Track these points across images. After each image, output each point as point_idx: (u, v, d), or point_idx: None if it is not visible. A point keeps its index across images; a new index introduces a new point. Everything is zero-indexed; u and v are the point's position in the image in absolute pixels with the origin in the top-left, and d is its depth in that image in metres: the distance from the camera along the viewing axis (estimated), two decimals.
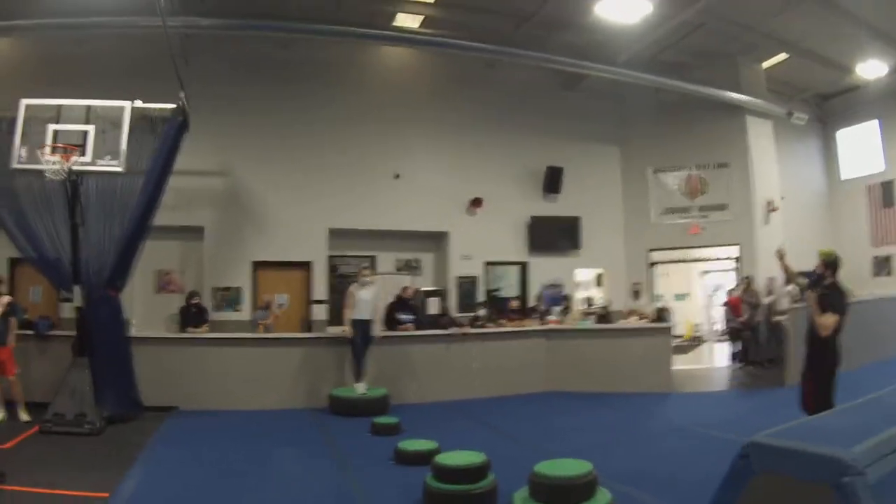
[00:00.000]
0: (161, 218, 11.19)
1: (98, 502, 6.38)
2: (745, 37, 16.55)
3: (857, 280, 18.42)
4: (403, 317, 13.18)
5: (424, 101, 17.04)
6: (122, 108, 10.54)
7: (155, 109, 10.92)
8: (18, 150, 10.04)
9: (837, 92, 21.11)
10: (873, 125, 20.79)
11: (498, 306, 16.00)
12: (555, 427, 10.14)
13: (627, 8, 13.39)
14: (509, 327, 14.32)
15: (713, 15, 14.88)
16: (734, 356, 16.23)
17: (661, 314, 14.50)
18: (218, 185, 14.85)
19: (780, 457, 2.34)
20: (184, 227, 14.22)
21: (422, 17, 15.03)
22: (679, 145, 18.82)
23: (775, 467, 2.34)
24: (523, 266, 18.13)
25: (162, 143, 10.86)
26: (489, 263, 17.69)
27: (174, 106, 10.96)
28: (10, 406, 10.11)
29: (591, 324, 15.23)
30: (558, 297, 16.94)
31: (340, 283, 15.88)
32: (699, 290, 23.24)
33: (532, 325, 14.50)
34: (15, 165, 10.05)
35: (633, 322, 14.73)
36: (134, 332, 11.52)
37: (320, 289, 15.81)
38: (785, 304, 15.14)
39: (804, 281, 8.34)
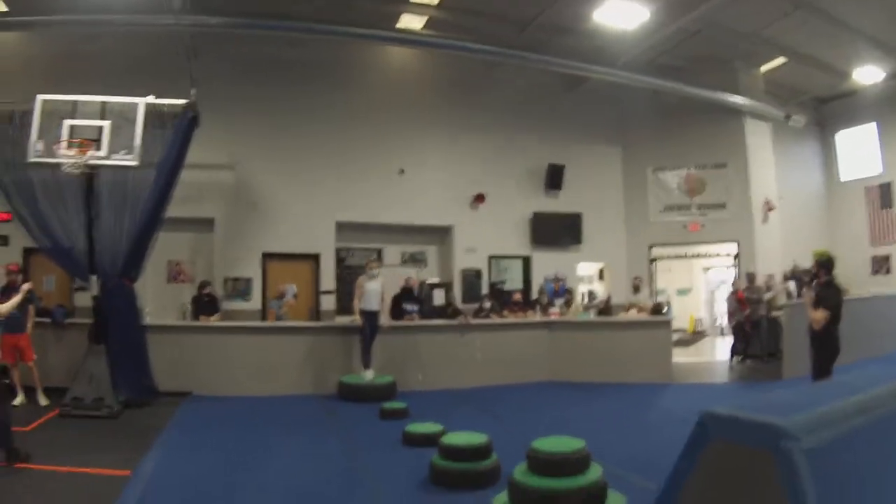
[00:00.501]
0: (172, 210, 11.40)
1: (120, 480, 6.56)
2: (743, 43, 16.68)
3: (855, 279, 18.70)
4: (409, 307, 13.47)
5: (428, 99, 17.21)
6: (135, 104, 10.72)
7: (166, 105, 11.09)
8: (35, 144, 10.18)
9: (835, 96, 21.16)
10: (871, 128, 20.87)
11: (501, 298, 16.16)
12: (554, 414, 10.30)
13: (625, 15, 13.57)
14: (512, 319, 14.51)
15: (709, 22, 15.04)
16: (735, 350, 16.38)
17: (659, 308, 14.65)
18: (228, 179, 14.98)
19: (730, 425, 2.57)
20: (195, 219, 14.39)
21: (426, 19, 15.11)
22: (678, 146, 19.01)
23: (727, 434, 2.56)
24: (526, 260, 18.30)
25: (174, 137, 11.09)
26: (493, 257, 17.88)
27: (185, 102, 11.15)
28: (30, 391, 10.34)
29: (592, 316, 15.41)
30: (561, 290, 17.10)
31: (347, 275, 16.14)
32: (702, 285, 23.42)
33: (535, 317, 14.68)
34: (32, 159, 10.20)
35: (632, 315, 14.85)
36: (148, 320, 11.71)
37: (328, 280, 15.99)
38: (783, 300, 15.40)
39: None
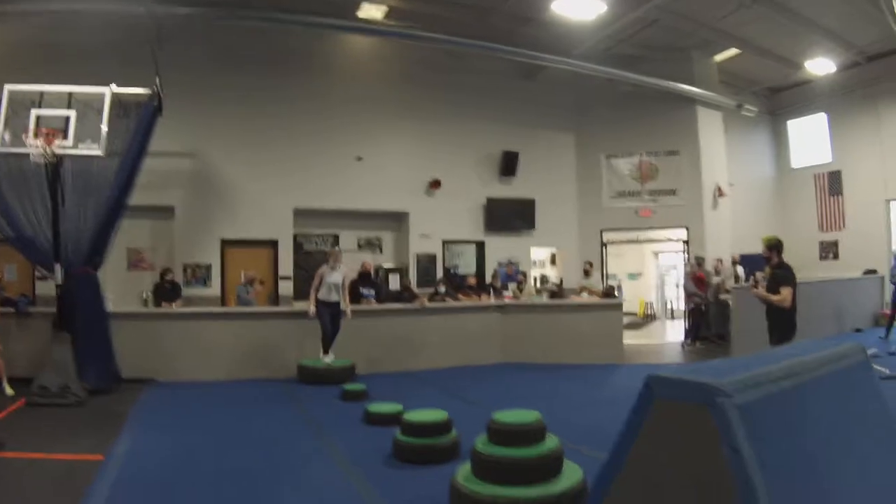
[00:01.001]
0: (133, 198, 11.70)
1: (94, 464, 6.80)
2: (698, 33, 17.35)
3: (804, 263, 19.55)
4: (365, 291, 13.87)
5: (387, 87, 17.71)
6: (101, 94, 11.04)
7: (129, 94, 11.43)
8: (2, 134, 10.44)
9: (788, 86, 22.17)
10: (821, 118, 21.93)
11: (456, 282, 16.80)
12: (509, 393, 10.79)
13: (582, 6, 14.25)
14: (467, 302, 15.12)
15: (666, 12, 15.65)
16: (687, 332, 17.14)
17: (611, 291, 15.26)
18: (188, 167, 15.36)
19: (673, 385, 2.99)
20: (155, 207, 14.69)
21: (386, 8, 15.47)
22: (631, 133, 19.69)
23: (670, 394, 2.97)
24: (480, 245, 18.95)
25: (137, 126, 11.41)
26: (447, 242, 18.50)
27: (149, 91, 11.50)
28: None
29: (544, 299, 16.09)
30: (514, 275, 17.75)
31: (305, 260, 16.75)
32: (652, 270, 24.18)
33: (488, 300, 15.31)
34: None
35: (584, 298, 15.49)
36: (111, 307, 11.89)
37: (286, 265, 16.52)
38: (731, 284, 16.25)
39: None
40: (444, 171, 18.09)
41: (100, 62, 13.04)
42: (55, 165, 10.58)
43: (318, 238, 17.38)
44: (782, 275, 8.59)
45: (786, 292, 8.38)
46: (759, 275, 9.77)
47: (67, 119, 10.72)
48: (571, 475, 5.51)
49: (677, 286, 21.68)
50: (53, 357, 10.44)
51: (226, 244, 15.92)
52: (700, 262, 17.31)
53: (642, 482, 3.04)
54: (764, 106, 22.46)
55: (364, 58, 17.61)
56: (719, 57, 19.42)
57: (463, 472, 5.66)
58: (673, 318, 22.78)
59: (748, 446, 2.59)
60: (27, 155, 10.38)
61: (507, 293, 15.83)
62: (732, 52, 18.95)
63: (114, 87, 11.21)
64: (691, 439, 2.81)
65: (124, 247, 14.56)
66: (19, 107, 10.66)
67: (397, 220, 18.31)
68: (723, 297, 16.39)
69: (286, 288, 16.39)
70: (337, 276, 12.31)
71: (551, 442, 5.66)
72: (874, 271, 18.58)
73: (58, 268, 10.85)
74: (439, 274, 17.72)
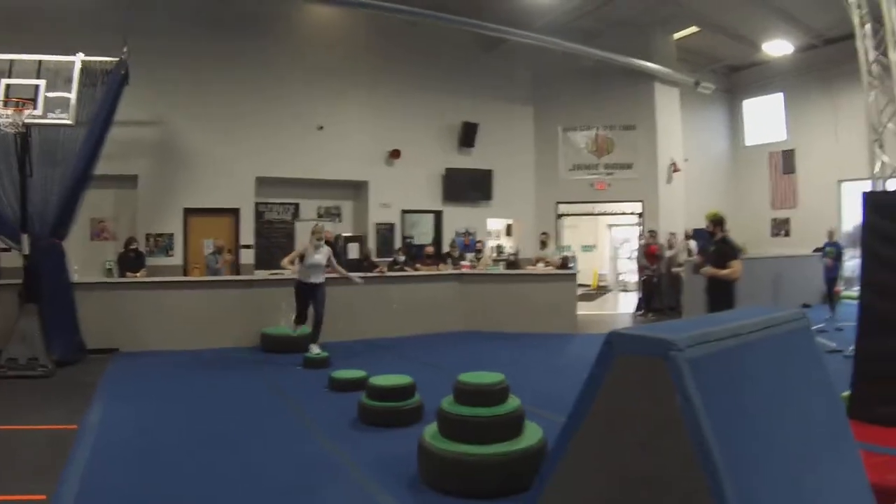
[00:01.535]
0: (97, 167, 11.99)
1: (69, 434, 7.13)
2: (659, 10, 18.11)
3: (756, 239, 20.56)
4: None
5: (349, 56, 18.11)
6: (71, 63, 11.46)
7: (97, 62, 11.80)
8: None
9: (745, 65, 23.20)
10: (778, 98, 23.05)
11: (414, 252, 17.54)
12: (469, 360, 11.03)
13: None
14: (425, 271, 15.85)
15: None
16: (639, 304, 17.90)
17: (566, 262, 15.90)
18: (152, 135, 15.58)
19: (632, 341, 3.31)
20: (118, 176, 14.81)
21: None
22: (589, 107, 20.32)
23: (629, 349, 3.30)
24: (438, 214, 19.53)
25: (105, 94, 11.82)
26: (406, 211, 19.03)
27: (117, 59, 11.92)
28: None
29: (501, 269, 16.82)
30: (471, 244, 18.47)
31: (266, 229, 17.38)
32: (606, 242, 24.93)
33: (447, 269, 16.05)
34: None
35: (539, 269, 16.18)
36: (76, 278, 12.19)
37: (247, 234, 16.94)
38: (683, 257, 17.19)
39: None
40: (404, 141, 18.57)
41: (64, 30, 13.34)
42: (24, 135, 10.81)
43: (279, 207, 17.89)
44: (728, 248, 9.07)
45: (736, 265, 8.83)
46: (696, 257, 10.12)
47: (37, 88, 10.99)
48: (532, 434, 5.97)
49: (630, 258, 22.48)
50: (21, 329, 10.66)
51: (188, 213, 16.24)
52: (653, 235, 18.06)
53: (602, 431, 3.42)
54: (722, 84, 23.39)
55: (327, 27, 17.93)
56: (679, 34, 20.14)
57: (430, 431, 6.07)
58: (626, 290, 23.62)
59: (698, 396, 2.87)
60: None
61: (465, 262, 16.45)
62: (691, 30, 19.70)
63: (80, 55, 11.57)
64: (648, 391, 3.13)
65: (87, 217, 14.68)
66: None
67: (357, 190, 18.81)
68: (675, 270, 17.23)
69: (248, 256, 16.83)
70: (320, 258, 11.67)
71: (513, 402, 6.07)
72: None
73: (25, 238, 11.12)
74: (398, 244, 18.30)
